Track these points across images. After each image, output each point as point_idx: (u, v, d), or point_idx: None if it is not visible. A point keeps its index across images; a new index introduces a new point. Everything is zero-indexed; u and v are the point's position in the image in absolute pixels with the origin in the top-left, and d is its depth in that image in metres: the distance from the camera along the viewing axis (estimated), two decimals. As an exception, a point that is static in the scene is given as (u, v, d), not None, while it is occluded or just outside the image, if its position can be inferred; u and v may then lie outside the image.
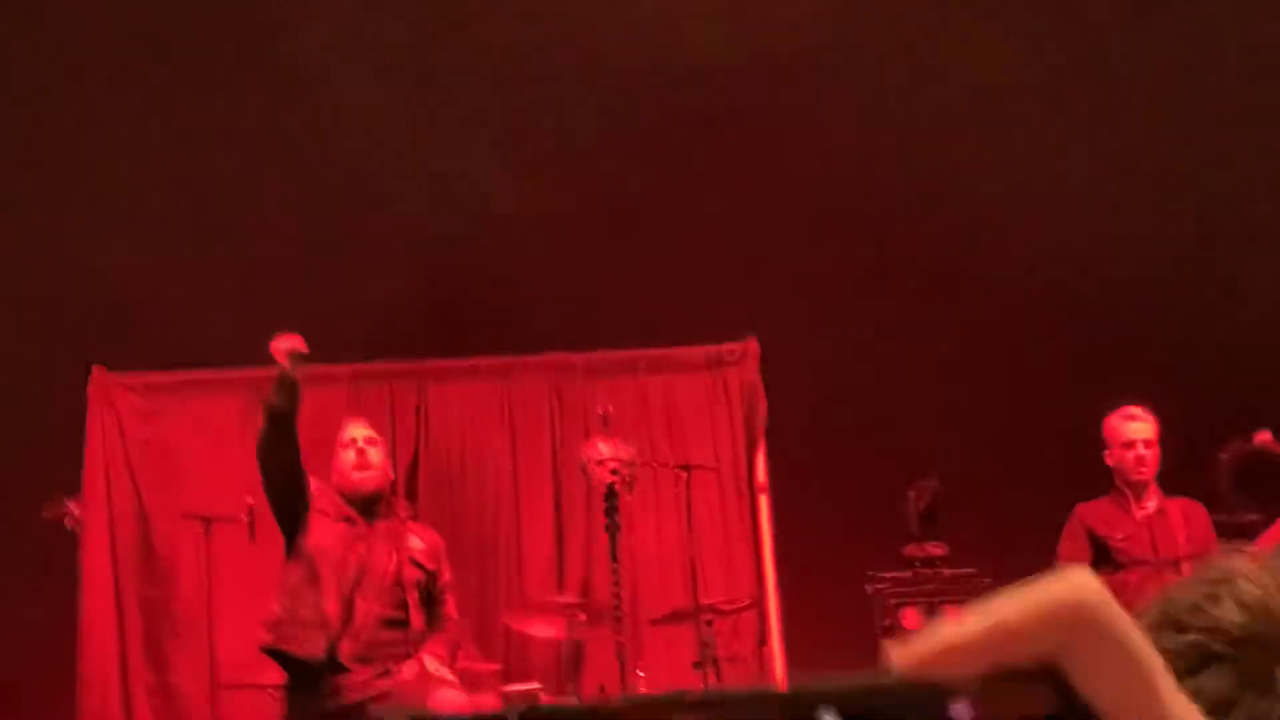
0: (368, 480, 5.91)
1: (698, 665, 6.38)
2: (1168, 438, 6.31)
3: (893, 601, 7.02)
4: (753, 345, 7.73)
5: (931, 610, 7.02)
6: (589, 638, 7.05)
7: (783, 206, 7.70)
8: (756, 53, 7.36)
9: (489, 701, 6.06)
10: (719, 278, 7.68)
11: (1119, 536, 6.20)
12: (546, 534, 7.51)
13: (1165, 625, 1.11)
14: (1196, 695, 0.97)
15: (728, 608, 6.74)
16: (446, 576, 6.02)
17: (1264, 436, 6.53)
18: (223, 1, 7.21)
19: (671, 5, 7.25)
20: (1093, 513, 6.29)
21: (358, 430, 6.07)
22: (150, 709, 7.24)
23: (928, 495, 7.16)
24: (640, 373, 7.74)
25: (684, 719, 0.63)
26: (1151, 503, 6.24)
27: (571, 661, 6.73)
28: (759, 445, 7.63)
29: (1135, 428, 6.24)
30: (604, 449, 6.39)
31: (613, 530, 6.27)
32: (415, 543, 5.93)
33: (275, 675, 5.99)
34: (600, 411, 6.61)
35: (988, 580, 6.99)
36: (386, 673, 5.58)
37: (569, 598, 7.07)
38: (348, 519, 5.83)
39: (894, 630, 6.99)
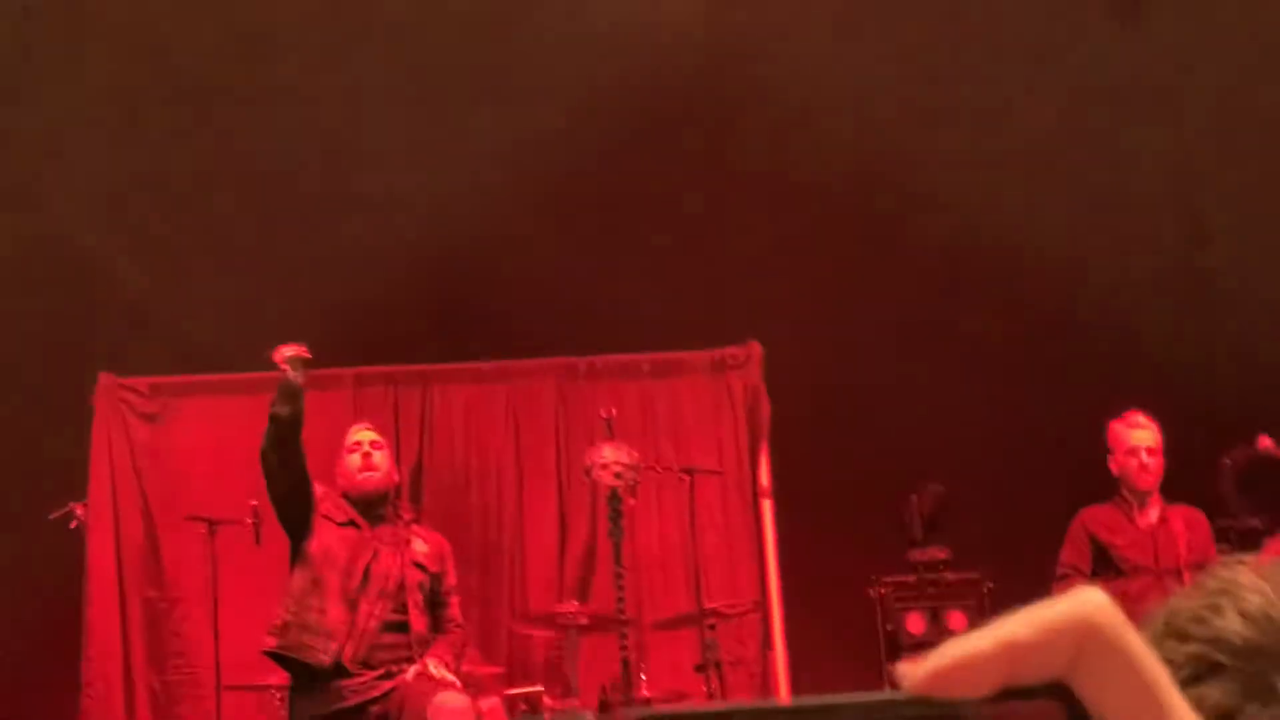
0: (372, 480, 5.92)
1: (700, 669, 6.39)
2: (1170, 443, 6.30)
3: (896, 605, 7.03)
4: (756, 349, 7.73)
5: (935, 614, 7.03)
6: (592, 641, 7.06)
7: (786, 210, 7.71)
8: (758, 56, 7.37)
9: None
10: (722, 282, 7.68)
11: (1121, 543, 6.18)
12: (550, 537, 7.52)
13: (1168, 635, 1.11)
14: (1199, 706, 0.97)
15: (731, 611, 6.75)
16: (451, 580, 6.03)
17: (1266, 441, 6.53)
18: (224, 8, 7.21)
19: (673, 8, 7.25)
20: (1095, 519, 6.27)
21: (363, 434, 6.09)
22: (153, 710, 7.25)
23: (931, 499, 7.17)
24: (644, 376, 7.74)
25: None
26: (1154, 511, 6.22)
27: (574, 665, 6.73)
28: (762, 449, 7.63)
29: (1139, 435, 6.22)
30: (607, 453, 6.40)
31: (616, 534, 6.27)
32: (419, 546, 5.94)
33: (278, 677, 6.01)
34: (604, 415, 6.62)
35: (990, 584, 7.00)
36: (389, 675, 5.59)
37: (572, 601, 7.08)
38: (352, 523, 5.85)
39: (897, 634, 7.00)
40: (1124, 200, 7.69)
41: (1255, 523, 6.38)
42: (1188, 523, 6.21)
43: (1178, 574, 5.99)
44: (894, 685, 0.68)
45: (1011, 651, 0.65)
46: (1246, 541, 6.13)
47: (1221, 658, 1.05)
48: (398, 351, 7.64)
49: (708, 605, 6.55)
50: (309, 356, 5.55)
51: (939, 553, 7.10)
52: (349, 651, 5.58)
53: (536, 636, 7.29)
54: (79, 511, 6.87)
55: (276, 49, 7.16)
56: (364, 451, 5.98)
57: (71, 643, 7.16)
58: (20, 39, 7.15)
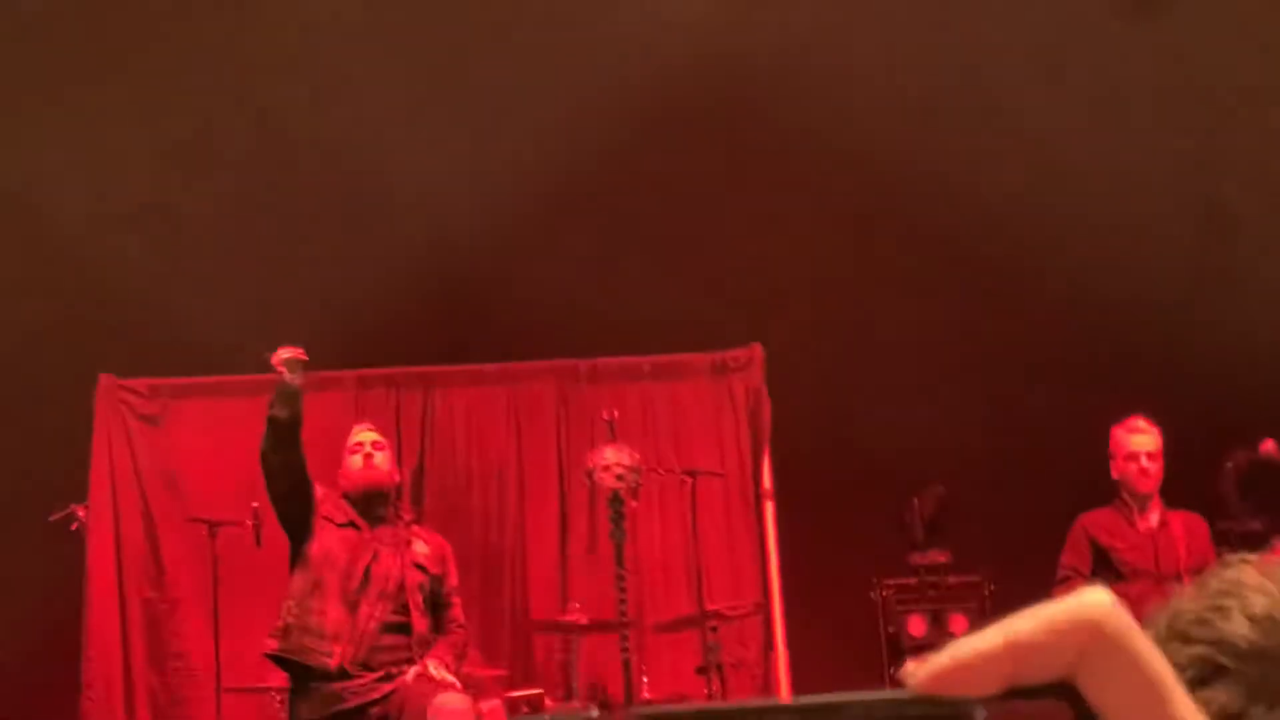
0: (373, 475, 5.93)
1: (702, 671, 6.38)
2: (1172, 447, 6.30)
3: (897, 608, 7.02)
4: (758, 351, 7.72)
5: (936, 617, 7.03)
6: (594, 643, 7.06)
7: (787, 212, 7.71)
8: (759, 59, 7.37)
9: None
10: (724, 284, 7.68)
11: (1121, 547, 6.19)
12: (551, 539, 7.51)
13: (1172, 637, 1.11)
14: (1204, 709, 0.97)
15: (732, 613, 6.74)
16: (453, 581, 6.02)
17: (1268, 445, 6.54)
18: (228, 10, 7.22)
19: (675, 11, 7.25)
20: (1096, 522, 6.29)
21: (365, 434, 6.10)
22: (153, 712, 7.25)
23: (932, 502, 7.16)
24: (645, 379, 7.74)
25: None
26: (1154, 515, 6.24)
27: (576, 667, 6.73)
28: (764, 451, 7.63)
29: (1139, 440, 6.23)
30: (609, 455, 6.40)
31: (618, 536, 6.27)
32: (420, 547, 5.94)
33: (278, 679, 6.00)
34: (605, 417, 6.62)
35: (992, 587, 7.00)
36: (389, 677, 5.58)
37: (574, 603, 7.08)
38: (352, 524, 5.85)
39: (899, 636, 6.99)
40: (1128, 204, 7.68)
41: (1256, 525, 6.39)
42: (1188, 527, 6.22)
43: (1177, 578, 5.99)
44: (896, 687, 0.68)
45: (1016, 651, 0.65)
46: (1247, 544, 6.13)
47: (1226, 661, 1.05)
48: (399, 353, 7.63)
49: (709, 607, 6.55)
50: (306, 358, 5.55)
51: (940, 555, 7.09)
52: (349, 653, 5.58)
53: (538, 639, 7.29)
54: (79, 513, 6.87)
55: (280, 53, 7.15)
56: (365, 452, 5.98)
57: (72, 644, 7.16)
58: (20, 39, 7.15)
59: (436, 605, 5.90)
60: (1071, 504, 6.42)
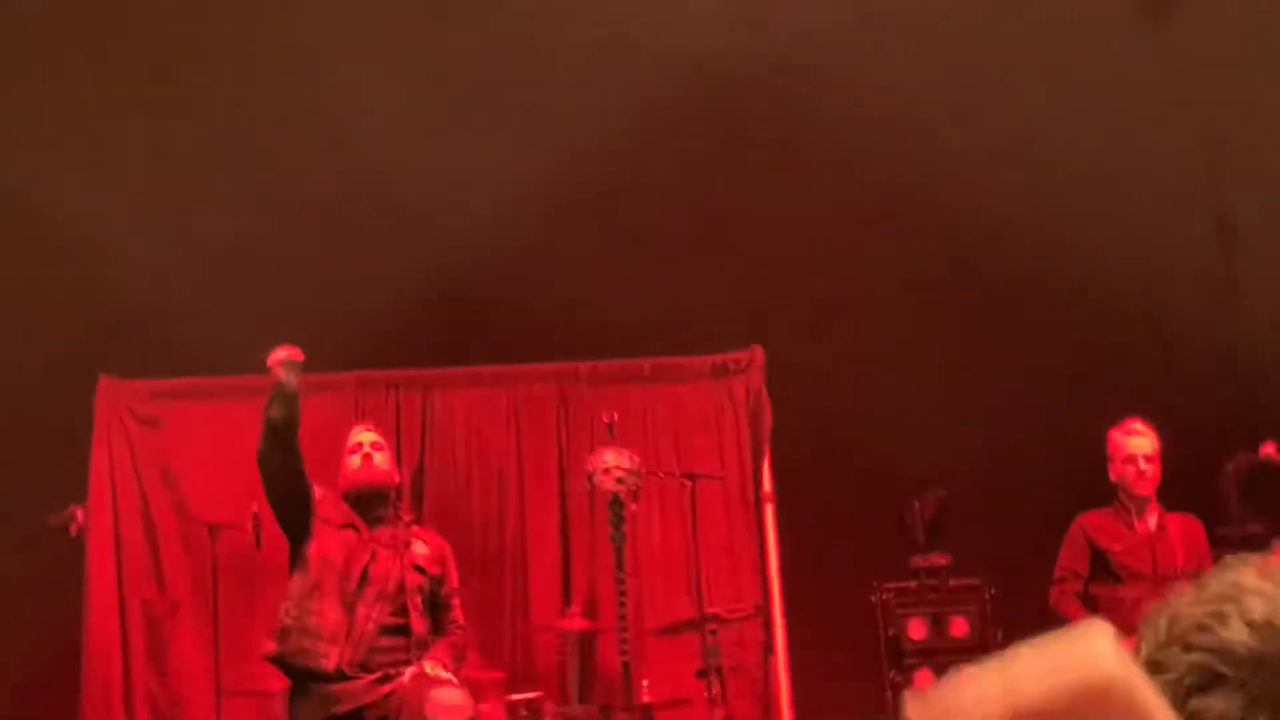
0: (371, 475, 5.92)
1: (701, 674, 6.37)
2: (1171, 450, 6.31)
3: (897, 611, 7.02)
4: (758, 354, 7.72)
5: (936, 620, 7.02)
6: (593, 646, 7.06)
7: (787, 215, 7.70)
8: (760, 62, 7.37)
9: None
10: (724, 286, 7.67)
11: (1119, 549, 6.22)
12: (552, 542, 7.51)
13: (1170, 642, 1.10)
14: (1203, 716, 0.96)
15: (732, 616, 6.74)
16: (453, 582, 6.01)
17: (1269, 448, 6.54)
18: (229, 12, 7.22)
19: (677, 15, 7.25)
20: (1094, 524, 6.31)
21: (364, 434, 6.10)
22: (152, 714, 7.24)
23: (933, 505, 7.16)
24: (646, 381, 7.73)
25: None
26: (1152, 518, 6.26)
27: (575, 670, 6.73)
28: (764, 454, 7.62)
29: (1136, 443, 6.25)
30: (609, 457, 6.39)
31: (618, 539, 6.27)
32: (419, 548, 5.93)
33: (278, 682, 5.99)
34: (606, 420, 6.62)
35: (992, 590, 6.99)
36: (387, 679, 5.58)
37: (574, 606, 7.08)
38: (351, 525, 5.84)
39: (899, 639, 6.98)
40: (1128, 206, 7.68)
41: (1256, 528, 6.39)
42: (1185, 530, 6.24)
43: (1174, 581, 5.99)
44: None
45: (1018, 713, 0.63)
46: (1247, 548, 6.11)
47: (1225, 669, 1.04)
48: (399, 356, 7.63)
49: (709, 610, 6.54)
50: (301, 359, 5.54)
51: (940, 558, 7.09)
52: (346, 655, 5.57)
53: (538, 641, 7.29)
54: (79, 514, 6.87)
55: (283, 55, 7.15)
56: (364, 452, 5.99)
57: (71, 646, 7.16)
58: (20, 41, 7.15)
59: (436, 606, 5.90)
60: (1072, 507, 6.43)
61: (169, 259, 7.37)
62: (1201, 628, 1.06)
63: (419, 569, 5.85)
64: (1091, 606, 6.19)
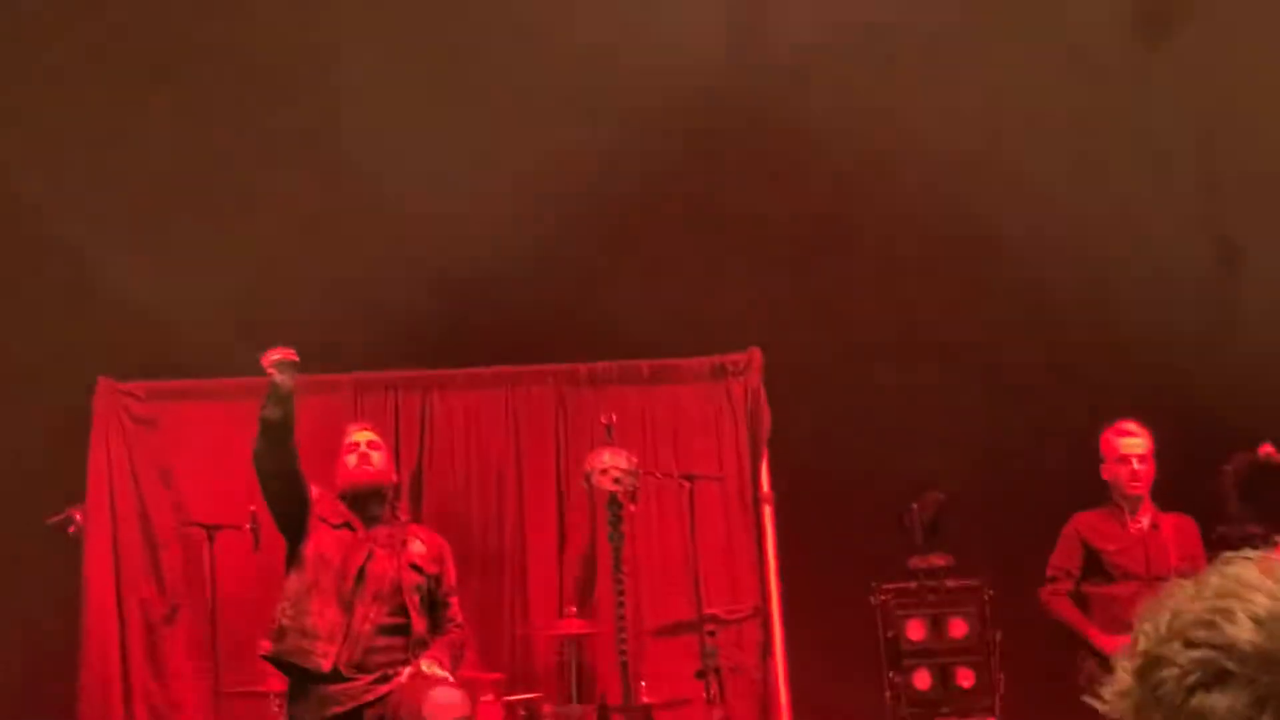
0: (368, 474, 5.92)
1: (700, 675, 6.37)
2: (1168, 451, 6.32)
3: (896, 612, 7.01)
4: (756, 355, 7.72)
5: (935, 621, 7.01)
6: (592, 647, 7.05)
7: (786, 217, 7.70)
8: (759, 66, 7.37)
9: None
10: (723, 288, 7.67)
11: (1112, 549, 6.24)
12: (550, 543, 7.50)
13: (1172, 638, 1.09)
14: (1207, 712, 0.95)
15: (731, 617, 6.74)
16: (450, 580, 6.01)
17: (1267, 448, 6.55)
18: (229, 12, 7.21)
19: (677, 20, 7.25)
20: (1087, 524, 6.34)
21: (361, 434, 6.10)
22: (151, 716, 7.23)
23: (931, 506, 7.15)
24: (644, 382, 7.73)
25: None
26: (1146, 518, 6.28)
27: (574, 671, 6.72)
28: (763, 455, 7.62)
29: (1130, 443, 6.28)
30: (607, 458, 6.39)
31: (616, 540, 6.26)
32: (417, 546, 5.92)
33: (276, 683, 5.99)
34: (604, 421, 6.62)
35: (991, 591, 6.99)
36: (385, 678, 5.57)
37: (572, 607, 7.08)
38: (347, 525, 5.84)
39: (898, 641, 6.98)
40: (1131, 211, 7.68)
41: (1254, 529, 6.40)
42: (1179, 530, 6.26)
43: (1168, 580, 6.01)
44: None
45: None
46: (1246, 548, 6.13)
47: (1231, 665, 1.03)
48: (398, 357, 7.63)
49: (708, 611, 6.53)
50: (296, 360, 5.55)
51: (940, 559, 7.08)
52: (343, 655, 5.56)
53: (536, 642, 7.28)
54: (77, 516, 6.86)
55: (283, 60, 7.15)
56: (361, 451, 5.99)
57: (69, 647, 7.15)
58: (20, 41, 7.15)
59: (434, 605, 5.89)
60: (1071, 508, 6.44)
61: (168, 260, 7.36)
62: (1204, 623, 1.06)
63: (416, 568, 5.84)
64: (1083, 605, 6.21)
